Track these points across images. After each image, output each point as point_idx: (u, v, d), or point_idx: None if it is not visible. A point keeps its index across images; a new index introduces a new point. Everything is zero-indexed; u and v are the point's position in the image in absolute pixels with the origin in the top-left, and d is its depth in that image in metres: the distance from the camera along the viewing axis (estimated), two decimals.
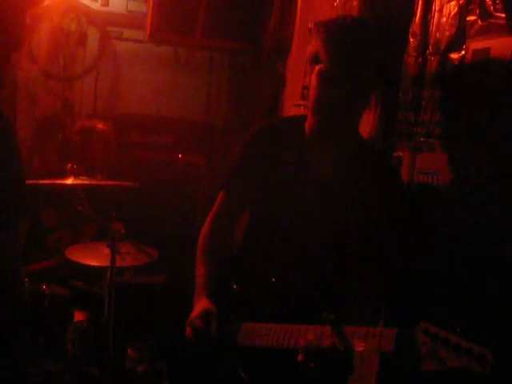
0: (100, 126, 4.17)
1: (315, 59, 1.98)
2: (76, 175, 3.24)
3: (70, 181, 3.21)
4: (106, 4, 5.04)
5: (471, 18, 2.03)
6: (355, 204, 2.01)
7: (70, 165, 3.30)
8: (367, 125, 2.61)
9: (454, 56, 2.12)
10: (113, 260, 3.05)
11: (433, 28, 2.26)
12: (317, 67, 1.97)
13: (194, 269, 2.20)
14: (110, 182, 3.62)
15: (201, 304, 2.05)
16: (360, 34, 1.96)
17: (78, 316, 3.44)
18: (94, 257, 3.30)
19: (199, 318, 1.99)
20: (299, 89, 3.54)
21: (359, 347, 1.57)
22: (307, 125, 2.09)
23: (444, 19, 2.18)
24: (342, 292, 2.04)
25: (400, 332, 1.52)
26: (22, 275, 1.95)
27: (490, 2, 1.94)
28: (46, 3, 4.74)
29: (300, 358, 1.71)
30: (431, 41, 2.26)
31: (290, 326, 1.81)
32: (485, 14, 1.96)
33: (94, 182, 3.42)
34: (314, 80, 1.99)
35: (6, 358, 1.85)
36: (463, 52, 2.07)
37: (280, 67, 4.12)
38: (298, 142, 2.10)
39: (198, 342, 1.99)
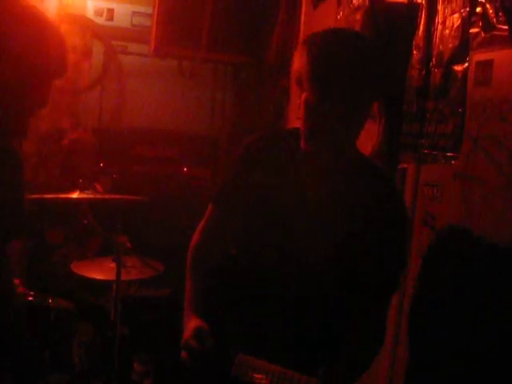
0: (66, 141, 4.16)
1: (299, 82, 1.84)
2: (82, 189, 3.25)
3: (75, 195, 3.23)
4: (111, 18, 5.08)
5: (474, 30, 2.04)
6: (352, 217, 1.96)
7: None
8: (372, 137, 2.61)
9: (458, 68, 2.12)
10: (118, 273, 3.06)
11: (436, 40, 2.27)
12: (303, 96, 1.82)
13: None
14: (116, 196, 3.63)
15: (192, 324, 1.99)
16: (356, 52, 1.81)
17: (84, 330, 3.44)
18: (100, 270, 3.31)
19: (193, 337, 1.93)
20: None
21: None
22: (302, 143, 1.96)
23: (447, 31, 2.19)
24: (340, 307, 2.02)
25: None
26: (12, 283, 2.03)
27: (493, 14, 1.95)
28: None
29: None
30: (434, 53, 2.27)
31: (289, 371, 1.80)
32: (488, 26, 1.97)
33: (99, 196, 3.43)
34: (301, 107, 1.83)
35: (5, 358, 1.89)
36: (467, 64, 2.07)
37: (284, 81, 4.13)
38: (293, 154, 2.01)
39: (194, 364, 1.93)
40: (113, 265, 3.20)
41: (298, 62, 1.84)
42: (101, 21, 5.05)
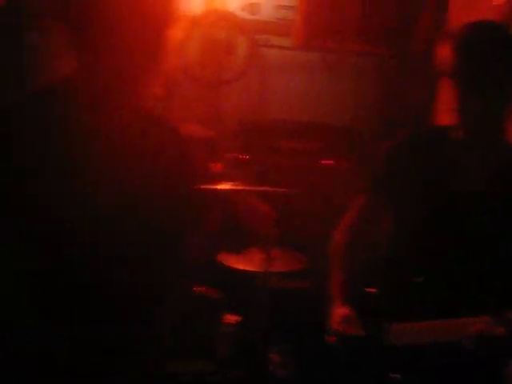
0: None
1: (446, 75, 1.96)
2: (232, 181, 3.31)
3: (228, 186, 3.28)
4: (256, 12, 5.12)
5: None
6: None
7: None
8: None
9: None
10: (267, 265, 3.09)
11: None
12: (454, 89, 1.93)
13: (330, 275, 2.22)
14: (266, 188, 3.65)
15: (339, 311, 2.06)
16: (500, 45, 1.90)
17: (229, 318, 3.50)
18: (246, 261, 3.36)
19: (341, 323, 2.01)
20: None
21: None
22: (454, 135, 2.04)
23: None
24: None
25: None
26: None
27: None
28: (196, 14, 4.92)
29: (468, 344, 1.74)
30: None
31: (450, 320, 1.83)
32: None
33: (248, 187, 3.46)
34: (454, 100, 1.95)
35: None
36: None
37: (431, 71, 4.01)
38: (445, 151, 2.06)
39: (344, 348, 1.99)
40: (258, 256, 3.23)
41: (445, 55, 1.97)
42: (245, 15, 5.11)
